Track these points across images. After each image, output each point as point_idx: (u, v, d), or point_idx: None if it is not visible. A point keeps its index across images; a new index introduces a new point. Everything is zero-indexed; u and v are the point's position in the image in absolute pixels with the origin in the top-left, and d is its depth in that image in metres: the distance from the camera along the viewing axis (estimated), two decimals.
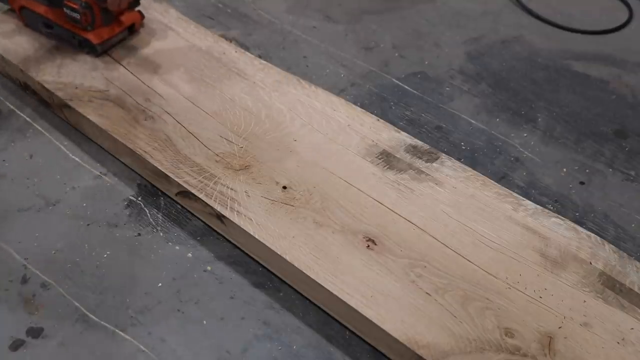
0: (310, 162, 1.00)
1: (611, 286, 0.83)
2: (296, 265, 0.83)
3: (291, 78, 1.19)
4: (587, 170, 1.16)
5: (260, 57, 1.28)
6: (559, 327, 0.78)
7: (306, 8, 1.61)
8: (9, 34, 1.24)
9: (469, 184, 0.98)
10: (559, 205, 1.07)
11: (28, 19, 1.24)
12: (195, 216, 0.99)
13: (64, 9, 1.14)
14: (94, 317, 0.85)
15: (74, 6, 1.12)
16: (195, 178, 0.95)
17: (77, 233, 0.96)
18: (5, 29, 1.26)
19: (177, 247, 0.95)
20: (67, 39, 1.20)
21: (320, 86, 1.17)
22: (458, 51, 1.49)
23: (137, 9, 1.25)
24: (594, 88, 1.39)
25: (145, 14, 1.28)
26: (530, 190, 1.10)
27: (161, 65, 1.19)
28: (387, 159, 1.01)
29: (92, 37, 1.17)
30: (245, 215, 0.90)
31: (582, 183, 1.13)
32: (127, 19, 1.22)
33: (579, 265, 0.86)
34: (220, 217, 0.91)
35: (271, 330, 0.84)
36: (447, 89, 1.36)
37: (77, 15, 1.13)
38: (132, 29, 1.26)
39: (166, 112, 1.08)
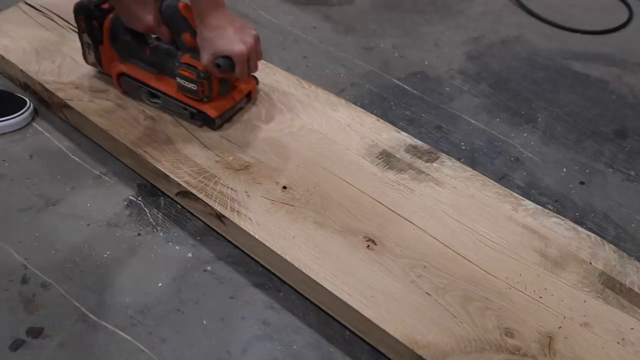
0: (310, 162, 1.00)
1: (611, 286, 0.83)
2: (296, 265, 0.83)
3: (291, 78, 1.19)
4: (587, 170, 1.16)
5: None
6: (559, 327, 0.78)
7: (306, 8, 1.61)
8: (9, 34, 1.24)
9: (469, 184, 0.98)
10: (559, 205, 1.07)
11: (128, 87, 1.09)
12: (195, 216, 0.99)
13: (177, 78, 0.99)
14: (94, 317, 0.85)
15: (190, 76, 0.97)
16: (195, 178, 0.95)
17: (77, 233, 0.96)
18: (6, 28, 1.26)
19: (177, 247, 0.95)
20: (177, 110, 1.05)
21: (320, 86, 1.17)
22: (458, 51, 1.49)
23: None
24: (594, 88, 1.39)
25: None
26: (530, 190, 1.10)
27: None
28: (387, 159, 1.01)
29: (209, 110, 1.01)
30: (245, 215, 0.90)
31: (582, 183, 1.13)
32: (245, 87, 1.07)
33: (579, 265, 0.86)
34: (220, 217, 0.91)
35: (271, 330, 0.84)
36: (447, 89, 1.36)
37: (193, 86, 0.98)
38: (249, 97, 1.10)
39: (166, 112, 1.08)
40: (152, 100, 1.07)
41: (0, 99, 1.14)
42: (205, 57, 0.94)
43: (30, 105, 1.14)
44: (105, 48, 1.06)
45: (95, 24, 1.04)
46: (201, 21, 0.91)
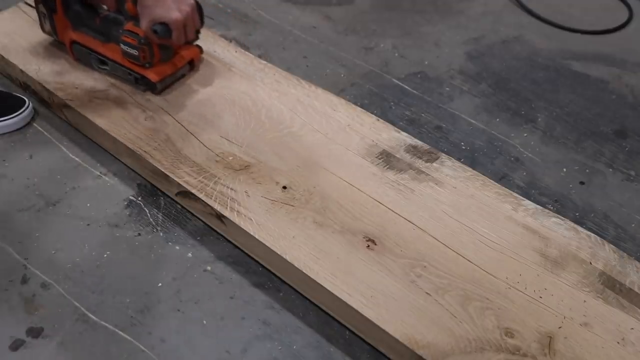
0: (310, 162, 1.00)
1: (611, 286, 0.83)
2: (296, 265, 0.83)
3: (291, 78, 1.19)
4: (587, 170, 1.16)
5: (260, 57, 1.28)
6: (559, 327, 0.78)
7: (306, 8, 1.61)
8: (9, 34, 1.24)
9: (469, 184, 0.98)
10: (559, 205, 1.07)
11: (80, 55, 1.15)
12: (195, 216, 0.99)
13: (121, 45, 1.06)
14: (94, 317, 0.85)
15: (131, 42, 1.04)
16: (195, 178, 0.95)
17: (77, 233, 0.96)
18: (6, 28, 1.26)
19: (177, 247, 0.95)
20: (123, 75, 1.12)
21: (320, 86, 1.17)
22: (458, 51, 1.49)
23: (195, 43, 1.15)
24: (594, 88, 1.39)
25: None
26: (530, 190, 1.10)
27: None
28: (387, 159, 1.01)
29: (150, 75, 1.08)
30: (245, 215, 0.90)
31: (582, 183, 1.13)
32: (187, 54, 1.13)
33: (579, 265, 0.86)
34: (220, 217, 0.91)
35: (271, 330, 0.84)
36: (447, 89, 1.36)
37: (134, 52, 1.04)
38: (192, 65, 1.16)
39: (166, 112, 1.08)
40: (101, 67, 1.14)
41: None
42: (144, 24, 1.00)
43: (29, 104, 1.14)
44: (59, 17, 1.13)
45: None
46: None
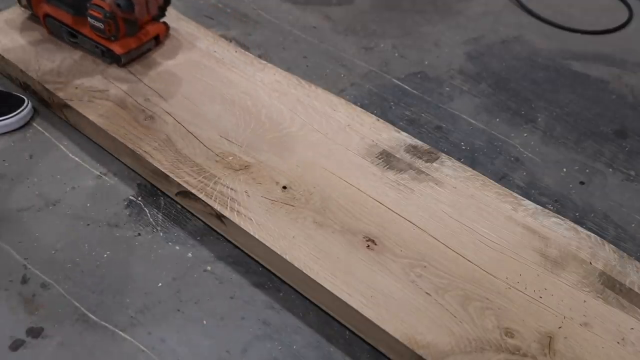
0: (310, 162, 1.00)
1: (611, 286, 0.83)
2: (296, 265, 0.83)
3: (291, 78, 1.19)
4: (587, 170, 1.16)
5: (260, 57, 1.28)
6: (559, 327, 0.78)
7: (306, 8, 1.61)
8: (9, 34, 1.24)
9: (469, 184, 0.98)
10: (559, 205, 1.07)
11: (52, 28, 1.21)
12: (195, 216, 0.99)
13: (88, 18, 1.11)
14: (94, 317, 0.85)
15: (98, 15, 1.09)
16: (195, 178, 0.95)
17: (77, 233, 0.96)
18: (6, 28, 1.26)
19: (177, 247, 0.95)
20: (91, 49, 1.17)
21: (320, 86, 1.17)
22: (458, 51, 1.49)
23: (162, 20, 1.21)
24: (594, 88, 1.39)
25: None
26: (530, 190, 1.10)
27: (161, 65, 1.19)
28: (387, 159, 1.01)
29: (116, 48, 1.13)
30: (245, 215, 0.90)
31: (582, 183, 1.13)
32: (152, 29, 1.19)
33: (579, 265, 0.86)
34: (220, 217, 0.91)
35: (271, 330, 0.84)
36: (447, 89, 1.36)
37: (100, 25, 1.10)
38: (157, 40, 1.22)
39: (166, 112, 1.08)
40: (71, 39, 1.19)
41: None
42: None
43: (28, 103, 1.14)
44: None
45: None
46: None
